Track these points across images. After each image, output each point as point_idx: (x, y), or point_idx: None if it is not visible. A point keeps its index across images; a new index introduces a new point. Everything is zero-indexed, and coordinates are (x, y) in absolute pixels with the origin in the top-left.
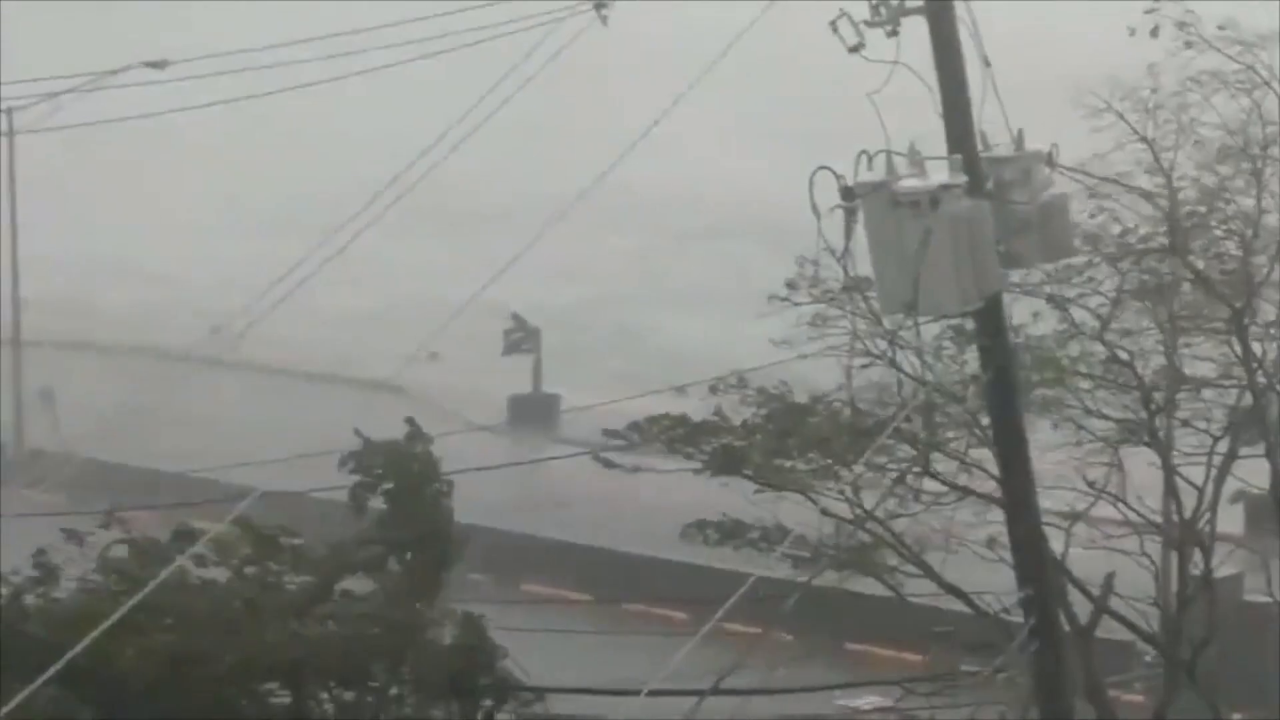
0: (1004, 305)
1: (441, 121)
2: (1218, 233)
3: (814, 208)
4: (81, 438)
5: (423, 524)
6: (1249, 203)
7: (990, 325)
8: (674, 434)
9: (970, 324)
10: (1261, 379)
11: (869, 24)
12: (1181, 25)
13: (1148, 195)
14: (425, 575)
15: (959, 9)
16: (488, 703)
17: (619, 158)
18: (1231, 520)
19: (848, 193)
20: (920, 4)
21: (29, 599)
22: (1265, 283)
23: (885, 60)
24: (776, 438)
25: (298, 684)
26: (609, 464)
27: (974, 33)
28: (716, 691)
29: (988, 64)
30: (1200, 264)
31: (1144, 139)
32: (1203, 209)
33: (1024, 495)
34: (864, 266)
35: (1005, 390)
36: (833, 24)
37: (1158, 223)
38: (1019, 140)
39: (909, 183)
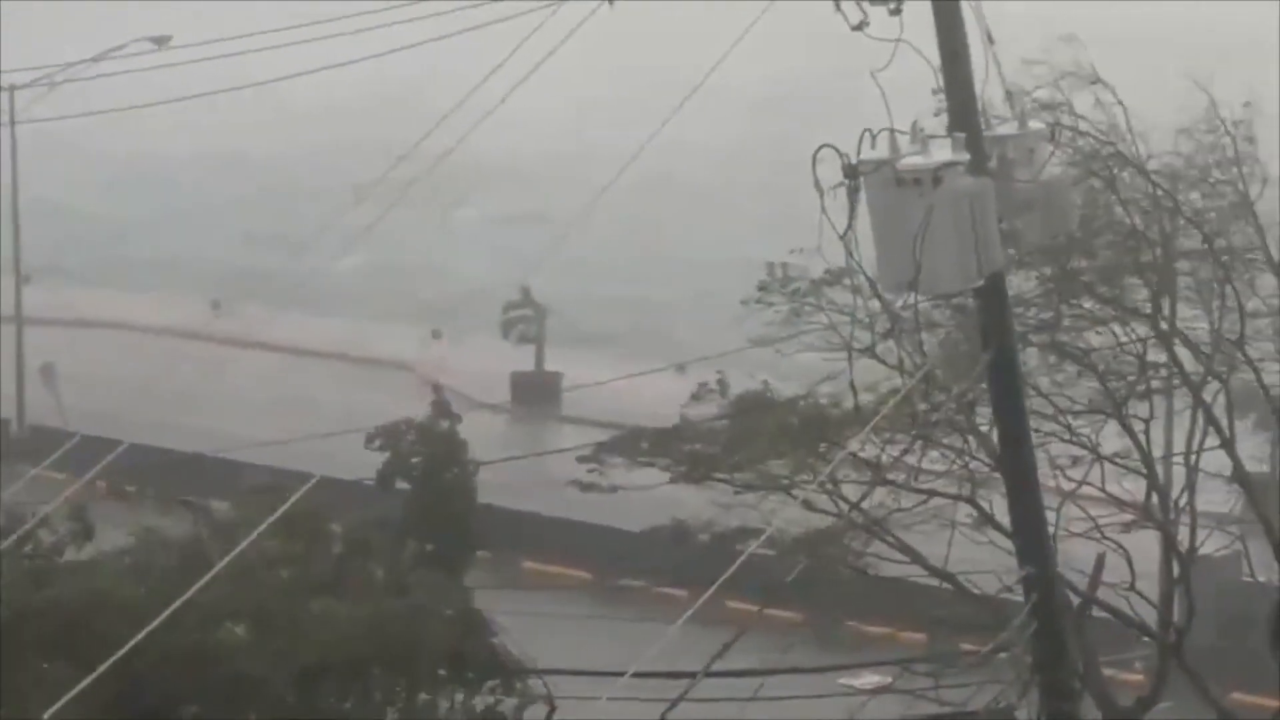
0: (1005, 283)
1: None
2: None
3: (817, 185)
4: (84, 415)
5: (449, 504)
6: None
7: (992, 303)
8: (643, 449)
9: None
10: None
11: (872, 1)
12: None
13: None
14: (451, 558)
15: None
16: (489, 683)
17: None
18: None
19: (851, 171)
20: None
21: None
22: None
23: (888, 39)
24: (746, 439)
25: (359, 679)
26: (586, 488)
27: (977, 9)
28: (708, 674)
29: (991, 41)
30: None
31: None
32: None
33: (1025, 473)
34: (864, 246)
35: (1006, 367)
36: (836, 2)
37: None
38: (1021, 118)
39: (911, 161)
